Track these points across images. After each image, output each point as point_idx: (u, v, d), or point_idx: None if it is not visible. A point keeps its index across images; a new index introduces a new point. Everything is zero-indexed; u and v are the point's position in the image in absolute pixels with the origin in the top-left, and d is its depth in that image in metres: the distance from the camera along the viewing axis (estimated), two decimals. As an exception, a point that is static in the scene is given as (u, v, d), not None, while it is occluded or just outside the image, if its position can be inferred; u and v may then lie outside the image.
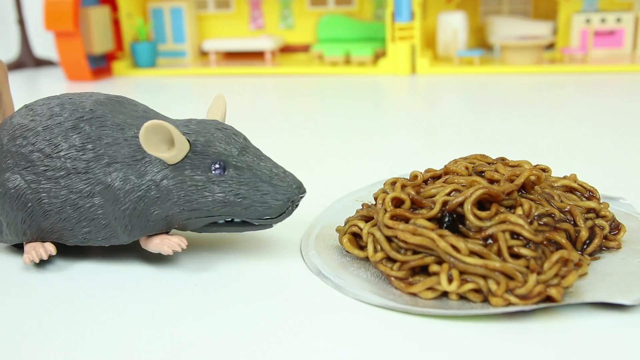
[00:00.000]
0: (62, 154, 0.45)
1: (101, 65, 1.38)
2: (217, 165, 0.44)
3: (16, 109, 0.53)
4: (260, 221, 0.45)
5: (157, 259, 0.48)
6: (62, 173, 0.45)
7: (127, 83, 1.30)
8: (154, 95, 1.16)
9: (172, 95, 1.16)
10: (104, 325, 0.39)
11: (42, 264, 0.48)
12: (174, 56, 1.49)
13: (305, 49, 1.51)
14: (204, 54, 1.54)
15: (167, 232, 0.46)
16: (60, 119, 0.46)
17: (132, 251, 0.49)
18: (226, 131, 0.45)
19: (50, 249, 0.47)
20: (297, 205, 0.45)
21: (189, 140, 0.44)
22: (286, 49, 1.52)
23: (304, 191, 0.45)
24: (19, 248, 0.51)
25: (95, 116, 0.46)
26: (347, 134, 0.84)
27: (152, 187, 0.44)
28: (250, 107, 1.02)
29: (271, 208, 0.44)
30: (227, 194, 0.44)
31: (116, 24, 1.41)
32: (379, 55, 1.39)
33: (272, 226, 0.46)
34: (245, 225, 0.46)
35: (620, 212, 0.52)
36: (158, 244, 0.45)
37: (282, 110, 1.00)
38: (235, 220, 0.46)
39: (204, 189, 0.44)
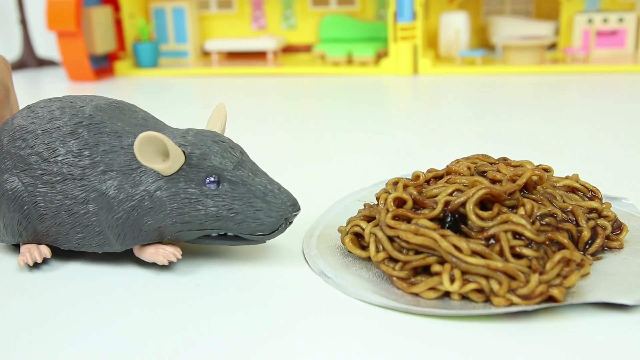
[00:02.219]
0: (59, 159, 0.45)
1: (103, 66, 1.38)
2: (211, 179, 0.44)
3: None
4: (252, 237, 0.45)
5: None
6: (58, 178, 0.45)
7: (129, 83, 1.30)
8: (156, 96, 1.16)
9: (174, 95, 1.16)
10: (101, 327, 0.40)
11: (36, 265, 0.48)
12: (176, 56, 1.49)
13: (307, 49, 1.51)
14: (206, 54, 1.54)
15: (160, 242, 0.46)
16: (59, 123, 0.46)
17: (130, 253, 0.49)
18: (223, 144, 0.45)
19: (45, 251, 0.47)
20: (290, 223, 0.45)
21: (184, 152, 0.44)
22: (288, 49, 1.52)
23: (298, 209, 0.45)
24: (17, 247, 0.51)
25: (94, 122, 0.46)
26: (349, 134, 0.84)
27: (146, 197, 0.44)
28: (253, 107, 1.02)
29: (264, 225, 0.44)
30: (220, 208, 0.44)
31: (118, 24, 1.42)
32: (381, 56, 1.39)
33: (265, 242, 0.46)
34: (238, 239, 0.46)
35: (622, 212, 0.52)
36: (153, 254, 0.45)
37: (284, 110, 1.00)
38: (228, 234, 0.46)
39: (197, 202, 0.43)
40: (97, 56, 1.35)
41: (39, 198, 0.45)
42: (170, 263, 0.47)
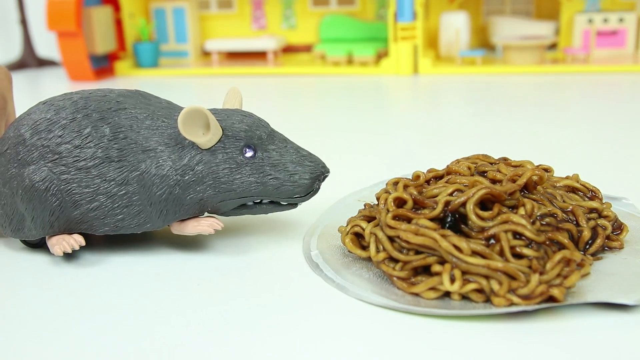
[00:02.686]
0: (93, 143, 0.46)
1: (103, 66, 1.38)
2: (248, 149, 0.46)
3: (17, 113, 0.53)
4: (289, 200, 0.48)
5: (162, 254, 0.49)
6: (93, 162, 0.46)
7: (129, 83, 1.30)
8: (157, 94, 1.17)
9: (175, 95, 1.16)
10: (101, 323, 0.40)
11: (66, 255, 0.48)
12: (177, 56, 1.49)
13: (307, 49, 1.51)
14: (206, 54, 1.54)
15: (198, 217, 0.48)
16: (86, 111, 0.47)
17: (137, 249, 0.50)
18: (252, 117, 0.48)
19: (80, 239, 0.47)
20: (320, 185, 0.48)
21: (222, 126, 0.46)
22: (288, 49, 1.52)
23: (328, 170, 0.48)
24: (28, 246, 0.51)
25: (122, 107, 0.47)
26: (349, 134, 0.84)
27: (188, 171, 0.46)
28: (253, 107, 1.02)
29: (300, 186, 0.47)
30: (259, 175, 0.46)
31: (118, 24, 1.42)
32: (381, 55, 1.39)
33: (297, 206, 0.49)
34: (273, 205, 0.48)
35: (622, 212, 0.52)
36: (196, 226, 0.47)
37: (284, 110, 1.00)
38: (264, 201, 0.48)
39: (237, 172, 0.46)
40: (98, 56, 1.35)
41: (74, 185, 0.46)
42: (175, 261, 0.48)
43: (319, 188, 0.48)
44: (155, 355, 0.36)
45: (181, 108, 0.49)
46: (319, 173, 0.48)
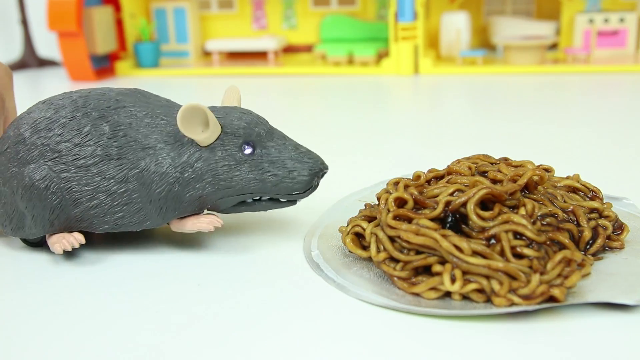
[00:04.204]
0: (92, 141, 0.46)
1: (104, 66, 1.38)
2: (247, 146, 0.47)
3: (18, 111, 0.53)
4: (288, 197, 0.48)
5: (162, 253, 0.49)
6: (93, 160, 0.46)
7: (130, 83, 1.30)
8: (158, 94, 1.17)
9: (176, 95, 1.16)
10: (99, 318, 0.40)
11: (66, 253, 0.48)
12: (177, 56, 1.49)
13: (308, 49, 1.51)
14: (206, 54, 1.54)
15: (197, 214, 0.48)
16: (86, 110, 0.47)
17: (136, 249, 0.50)
18: (251, 114, 0.48)
19: (80, 237, 0.47)
20: (320, 179, 0.49)
21: (221, 124, 0.46)
22: (289, 49, 1.53)
23: (327, 167, 0.49)
24: (28, 245, 0.51)
25: (121, 105, 0.48)
26: (350, 134, 0.84)
27: (187, 168, 0.46)
28: (254, 107, 1.03)
29: (299, 183, 0.47)
30: (257, 172, 0.47)
31: (119, 24, 1.42)
32: (382, 56, 1.39)
33: (296, 202, 0.49)
34: (272, 202, 0.49)
35: (623, 212, 0.53)
36: (195, 223, 0.48)
37: (284, 110, 1.00)
38: (263, 198, 0.48)
39: (236, 169, 0.47)
40: (98, 56, 1.35)
41: (73, 183, 0.46)
42: (172, 260, 0.48)
43: (317, 184, 0.48)
44: (155, 354, 0.37)
45: (180, 106, 0.50)
46: (318, 170, 0.48)
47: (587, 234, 0.45)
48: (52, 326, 0.40)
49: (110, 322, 0.40)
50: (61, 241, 0.47)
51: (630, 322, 0.38)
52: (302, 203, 0.58)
